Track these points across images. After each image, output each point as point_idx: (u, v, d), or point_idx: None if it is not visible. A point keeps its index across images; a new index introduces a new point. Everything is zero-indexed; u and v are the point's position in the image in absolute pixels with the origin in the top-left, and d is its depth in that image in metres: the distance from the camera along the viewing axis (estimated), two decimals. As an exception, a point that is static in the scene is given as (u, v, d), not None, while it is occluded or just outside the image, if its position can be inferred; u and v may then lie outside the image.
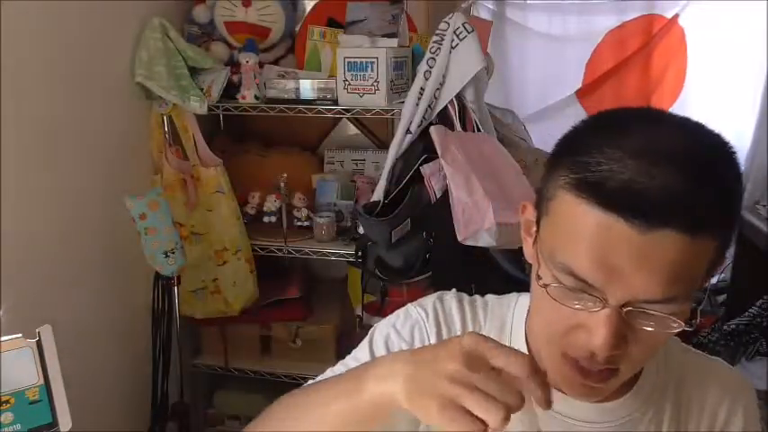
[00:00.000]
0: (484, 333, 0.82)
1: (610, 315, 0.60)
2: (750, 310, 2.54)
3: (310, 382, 0.85)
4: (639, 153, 0.58)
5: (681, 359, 0.81)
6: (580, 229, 0.60)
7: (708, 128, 0.64)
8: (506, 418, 0.54)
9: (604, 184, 0.58)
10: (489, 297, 0.87)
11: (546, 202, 0.66)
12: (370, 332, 0.86)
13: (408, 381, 0.59)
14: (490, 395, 0.54)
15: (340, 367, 0.84)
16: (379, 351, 0.82)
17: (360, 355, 0.84)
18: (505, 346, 0.58)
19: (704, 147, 0.61)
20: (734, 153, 0.63)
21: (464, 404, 0.54)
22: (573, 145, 0.65)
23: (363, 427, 0.64)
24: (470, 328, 0.83)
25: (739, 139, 3.19)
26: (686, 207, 0.57)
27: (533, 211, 0.70)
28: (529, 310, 0.80)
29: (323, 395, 0.70)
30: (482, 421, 0.54)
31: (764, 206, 2.72)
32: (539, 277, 0.65)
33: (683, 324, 0.61)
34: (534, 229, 0.69)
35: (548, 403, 0.56)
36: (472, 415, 0.54)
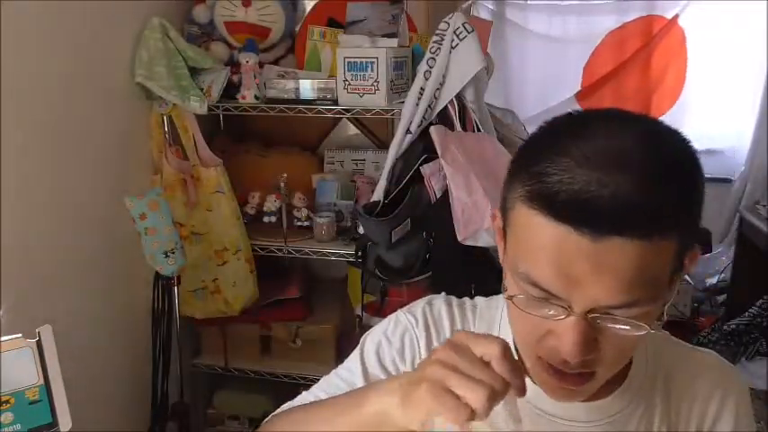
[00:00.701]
0: None
1: (576, 322, 0.61)
2: (750, 310, 2.54)
3: (302, 396, 0.84)
4: (589, 161, 0.58)
5: (670, 352, 0.81)
6: (537, 241, 0.60)
7: (665, 126, 0.64)
8: (490, 400, 0.55)
9: (555, 196, 0.58)
10: (478, 299, 0.87)
11: (507, 213, 0.66)
12: (361, 340, 0.87)
13: (403, 389, 0.61)
14: (474, 377, 0.56)
15: (333, 377, 0.84)
16: (370, 359, 0.83)
17: (351, 364, 0.84)
18: (487, 334, 0.60)
19: (657, 148, 0.60)
20: (691, 150, 0.62)
21: (449, 385, 0.56)
22: (527, 154, 0.65)
23: None
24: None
25: (739, 139, 3.19)
26: (637, 214, 0.57)
27: (500, 220, 0.70)
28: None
29: (324, 413, 0.71)
30: (469, 408, 0.55)
31: (764, 206, 2.72)
32: (505, 288, 0.67)
33: (650, 326, 0.61)
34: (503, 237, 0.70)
35: (520, 390, 0.58)
36: (459, 398, 0.56)
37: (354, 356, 0.85)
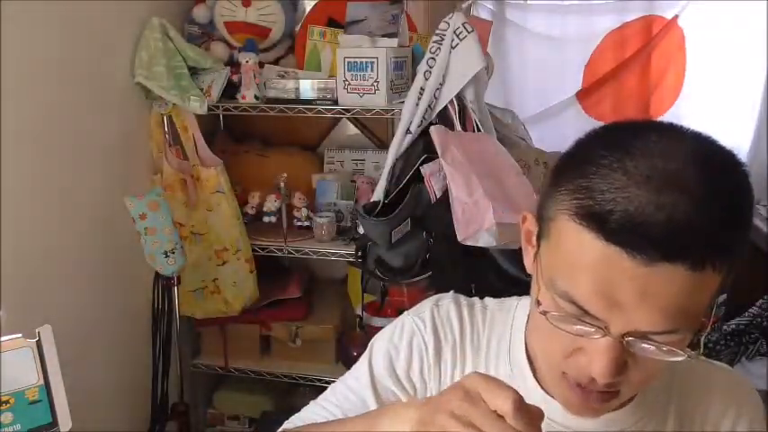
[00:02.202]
0: (483, 339, 0.82)
1: (611, 344, 0.59)
2: (750, 310, 2.54)
3: (311, 407, 0.84)
4: (645, 180, 0.56)
5: (685, 366, 0.78)
6: (582, 260, 0.58)
7: (720, 146, 0.61)
8: None
9: (608, 215, 0.56)
10: (489, 301, 0.85)
11: (547, 222, 0.64)
12: (368, 347, 0.85)
13: (417, 423, 0.60)
14: None
15: (341, 387, 0.83)
16: (379, 368, 0.82)
17: (359, 373, 0.83)
18: (500, 383, 0.57)
19: (715, 174, 0.57)
20: (746, 174, 0.60)
21: None
22: (576, 164, 0.62)
23: None
24: (468, 334, 0.82)
25: (739, 139, 3.19)
26: (692, 243, 0.55)
27: (535, 224, 0.68)
28: (528, 318, 0.79)
29: None
30: None
31: (764, 206, 2.72)
32: (538, 303, 0.64)
33: (685, 353, 0.60)
34: (535, 242, 0.68)
35: None
36: None
37: (362, 365, 0.83)
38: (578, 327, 0.61)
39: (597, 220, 0.57)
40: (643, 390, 0.76)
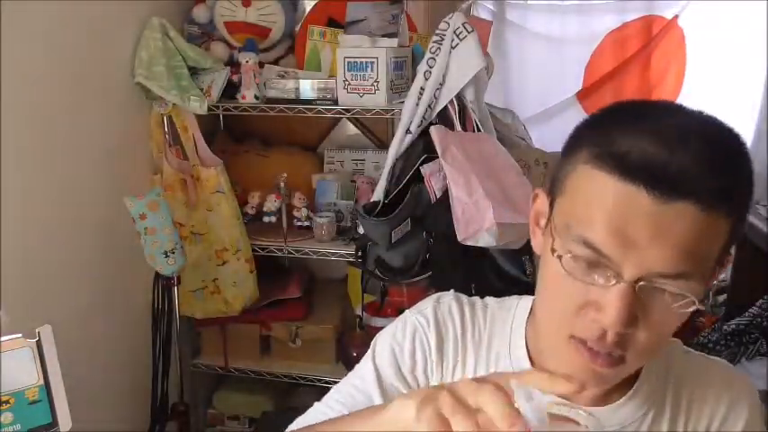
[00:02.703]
0: (485, 336, 0.82)
1: (623, 289, 0.60)
2: (750, 310, 2.54)
3: (316, 407, 0.82)
4: (659, 131, 0.61)
5: (681, 360, 0.80)
6: (599, 200, 0.61)
7: (722, 121, 0.66)
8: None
9: (626, 155, 0.60)
10: (489, 300, 0.86)
11: (562, 181, 0.67)
12: (371, 345, 0.85)
13: (421, 401, 0.57)
14: (470, 406, 0.53)
15: (346, 386, 0.83)
16: (383, 365, 0.82)
17: (363, 372, 0.83)
18: (492, 386, 0.54)
19: (722, 133, 0.63)
20: (746, 146, 0.64)
21: (440, 407, 0.54)
22: (593, 126, 0.67)
23: None
24: (469, 330, 0.82)
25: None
26: (706, 181, 0.58)
27: (546, 199, 0.70)
28: (530, 312, 0.80)
29: (344, 425, 0.69)
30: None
31: (764, 206, 2.72)
32: (553, 250, 0.65)
33: (696, 302, 0.61)
34: (544, 221, 0.70)
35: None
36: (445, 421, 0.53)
37: (366, 364, 0.83)
38: (591, 276, 0.62)
39: (616, 160, 0.60)
40: (640, 379, 0.76)
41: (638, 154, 0.59)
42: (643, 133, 0.61)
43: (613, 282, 0.61)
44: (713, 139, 0.62)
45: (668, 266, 0.59)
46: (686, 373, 0.79)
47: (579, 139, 0.67)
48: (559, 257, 0.63)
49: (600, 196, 0.61)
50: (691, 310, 0.61)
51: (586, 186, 0.63)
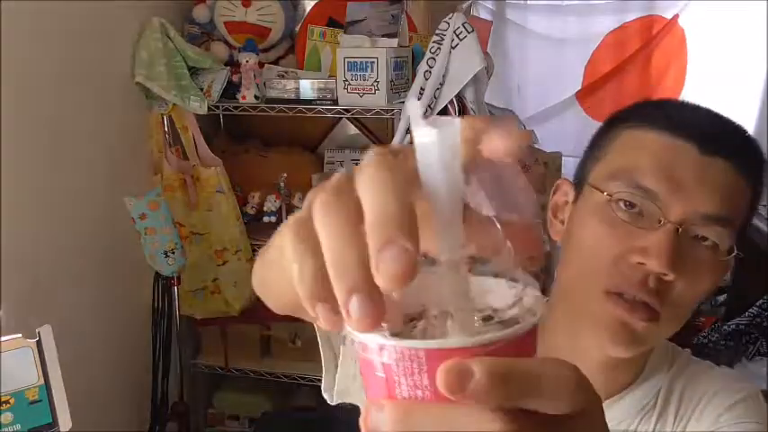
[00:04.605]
0: None
1: (670, 230, 0.64)
2: (750, 310, 2.54)
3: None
4: (694, 108, 0.73)
5: (691, 370, 0.80)
6: (649, 150, 0.68)
7: None
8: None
9: (671, 117, 0.70)
10: None
11: (601, 149, 0.72)
12: None
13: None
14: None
15: None
16: None
17: None
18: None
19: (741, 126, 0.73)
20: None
21: None
22: (633, 108, 0.75)
23: None
24: None
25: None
26: (736, 147, 0.69)
27: (570, 189, 0.74)
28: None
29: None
30: None
31: (764, 206, 2.72)
32: (599, 191, 0.69)
33: (727, 256, 0.67)
34: (563, 215, 0.74)
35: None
36: None
37: None
38: (638, 219, 0.66)
39: (664, 119, 0.69)
40: (648, 374, 0.76)
41: (680, 118, 0.69)
42: (680, 107, 0.74)
43: (661, 221, 0.65)
44: (737, 125, 0.73)
45: (711, 207, 0.65)
46: (693, 381, 0.78)
47: (615, 121, 0.74)
48: (609, 197, 0.67)
49: (650, 148, 0.68)
50: (723, 259, 0.67)
51: (634, 143, 0.70)
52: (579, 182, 0.74)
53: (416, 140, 0.31)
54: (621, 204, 0.67)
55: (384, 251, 0.28)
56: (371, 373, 0.31)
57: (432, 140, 0.31)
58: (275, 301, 0.45)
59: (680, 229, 0.65)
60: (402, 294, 0.32)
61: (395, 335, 0.31)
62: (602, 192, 0.68)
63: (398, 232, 0.28)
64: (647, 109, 0.74)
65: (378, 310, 0.29)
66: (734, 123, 0.72)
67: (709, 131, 0.68)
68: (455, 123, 0.33)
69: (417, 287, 0.31)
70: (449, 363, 0.28)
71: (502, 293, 0.36)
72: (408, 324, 0.33)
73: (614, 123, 0.73)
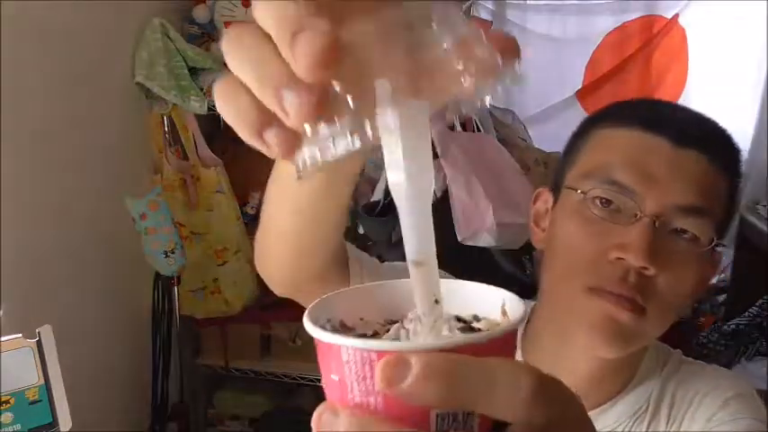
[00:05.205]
0: None
1: (646, 223, 0.65)
2: (750, 310, 2.54)
3: None
4: (666, 104, 0.77)
5: (684, 370, 0.79)
6: (620, 147, 0.69)
7: None
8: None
9: (643, 115, 0.71)
10: None
11: (573, 154, 0.73)
12: None
13: None
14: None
15: None
16: None
17: None
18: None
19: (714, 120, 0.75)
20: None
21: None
22: (602, 111, 0.76)
23: None
24: None
25: (739, 139, 3.19)
26: (711, 138, 0.70)
27: (549, 197, 0.74)
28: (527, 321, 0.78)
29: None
30: None
31: (764, 206, 2.72)
32: (574, 190, 0.69)
33: (709, 242, 0.67)
34: (544, 223, 0.74)
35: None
36: None
37: None
38: (614, 215, 0.67)
39: (636, 117, 0.70)
40: (639, 379, 0.75)
41: (654, 113, 0.71)
42: (653, 104, 0.76)
43: (637, 216, 0.65)
44: (708, 117, 0.75)
45: (686, 199, 0.66)
46: (686, 382, 0.78)
47: (587, 124, 0.75)
48: (584, 195, 0.68)
49: (623, 145, 0.68)
50: (701, 250, 0.67)
51: (607, 142, 0.70)
52: (557, 187, 0.74)
53: (380, 124, 0.28)
54: (597, 201, 0.67)
55: (296, 39, 0.27)
56: (327, 374, 0.31)
57: (395, 125, 0.28)
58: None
59: (657, 222, 0.65)
60: (386, 296, 0.33)
61: (371, 337, 0.32)
62: (578, 191, 0.68)
63: (306, 20, 0.27)
64: (620, 109, 0.75)
65: (310, 100, 0.27)
66: (706, 117, 0.73)
67: (681, 125, 0.69)
68: (423, 106, 0.29)
69: (402, 292, 0.31)
70: (388, 356, 0.27)
71: (486, 298, 0.34)
72: (383, 328, 0.33)
73: (587, 126, 0.74)
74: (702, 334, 2.60)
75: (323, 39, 0.26)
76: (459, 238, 1.66)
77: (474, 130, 1.79)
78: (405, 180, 0.30)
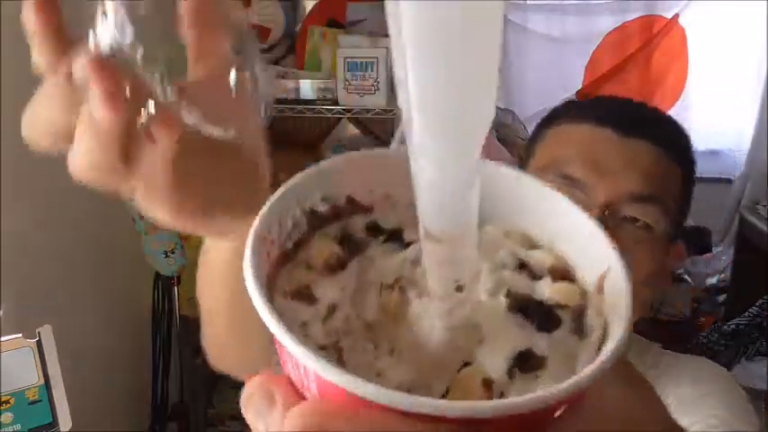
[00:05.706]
0: None
1: (595, 215, 0.64)
2: (750, 310, 2.54)
3: None
4: (614, 99, 0.79)
5: (656, 360, 0.80)
6: (571, 143, 0.71)
7: None
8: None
9: (591, 110, 0.73)
10: None
11: (529, 152, 0.76)
12: None
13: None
14: None
15: None
16: None
17: None
18: None
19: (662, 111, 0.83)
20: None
21: None
22: (551, 114, 0.79)
23: None
24: None
25: (739, 138, 3.19)
26: (657, 128, 0.73)
27: None
28: None
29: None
30: None
31: (764, 206, 2.72)
32: None
33: (657, 230, 0.68)
34: None
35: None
36: None
37: None
38: None
39: (587, 112, 0.73)
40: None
41: (605, 107, 0.75)
42: (607, 99, 0.81)
43: (588, 207, 0.66)
44: (656, 108, 0.80)
45: (635, 186, 0.67)
46: (660, 373, 0.78)
47: (543, 124, 0.78)
48: None
49: (574, 140, 0.71)
50: (650, 235, 0.68)
51: (559, 139, 0.73)
52: (526, 152, 0.79)
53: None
54: None
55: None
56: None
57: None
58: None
59: (606, 212, 0.66)
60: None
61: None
62: None
63: None
64: (570, 108, 0.79)
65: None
66: (654, 108, 0.77)
67: (628, 116, 0.72)
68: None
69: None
70: (257, 378, 0.21)
71: (587, 246, 0.22)
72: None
73: (541, 128, 0.77)
74: (702, 334, 2.60)
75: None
76: (459, 238, 1.66)
77: (474, 130, 1.79)
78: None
